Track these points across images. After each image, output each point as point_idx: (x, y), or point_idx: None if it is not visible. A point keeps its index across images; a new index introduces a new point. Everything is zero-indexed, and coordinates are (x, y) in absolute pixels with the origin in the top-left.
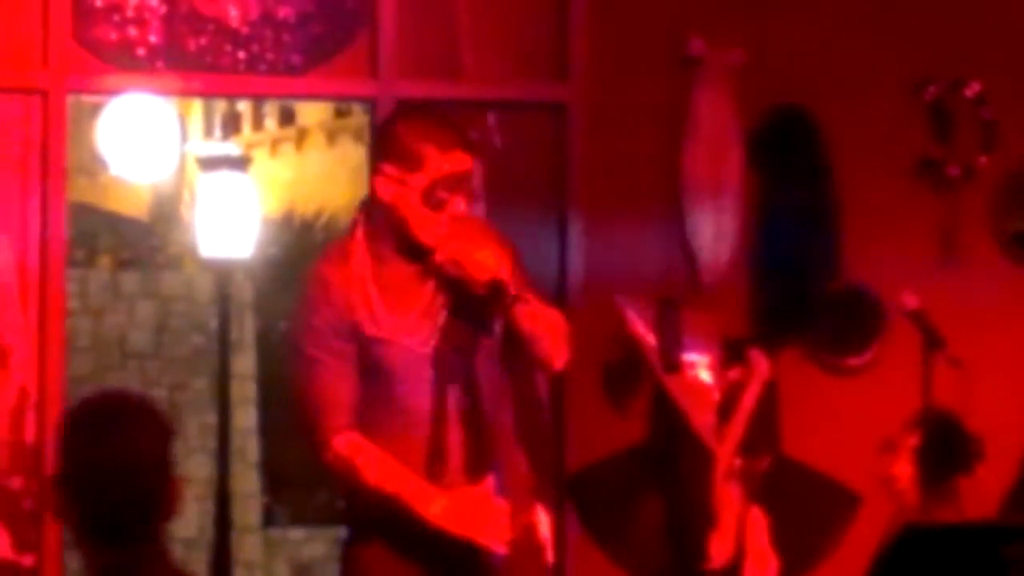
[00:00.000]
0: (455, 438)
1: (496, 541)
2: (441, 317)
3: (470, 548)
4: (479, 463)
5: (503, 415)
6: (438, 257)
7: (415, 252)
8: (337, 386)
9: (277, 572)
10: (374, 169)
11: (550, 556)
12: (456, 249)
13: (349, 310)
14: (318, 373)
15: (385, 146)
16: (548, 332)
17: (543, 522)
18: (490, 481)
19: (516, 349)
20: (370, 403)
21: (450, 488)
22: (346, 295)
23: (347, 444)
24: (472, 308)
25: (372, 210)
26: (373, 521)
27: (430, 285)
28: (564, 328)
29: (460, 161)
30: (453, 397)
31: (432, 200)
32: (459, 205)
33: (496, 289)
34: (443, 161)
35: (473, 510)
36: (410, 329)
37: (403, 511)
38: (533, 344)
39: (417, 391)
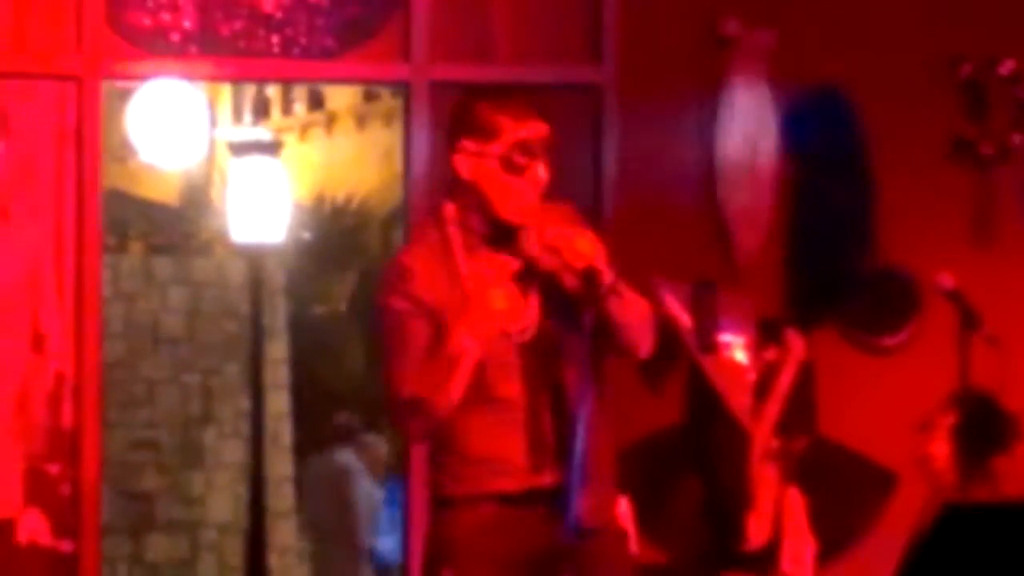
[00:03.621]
0: (547, 426)
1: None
2: (530, 306)
3: (557, 543)
4: (569, 451)
5: (587, 406)
6: (532, 243)
7: (503, 235)
8: (414, 357)
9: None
10: (452, 148)
11: (633, 545)
12: (553, 236)
13: (429, 299)
14: (396, 355)
15: (462, 124)
16: (637, 321)
17: (625, 512)
18: None
19: (603, 339)
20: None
21: (547, 473)
22: (427, 284)
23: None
24: (563, 297)
25: (457, 195)
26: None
27: (520, 273)
28: (651, 317)
29: (535, 128)
30: (542, 386)
31: (511, 166)
32: (539, 171)
33: (591, 277)
34: (518, 128)
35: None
36: (496, 316)
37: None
38: (621, 333)
39: (507, 379)
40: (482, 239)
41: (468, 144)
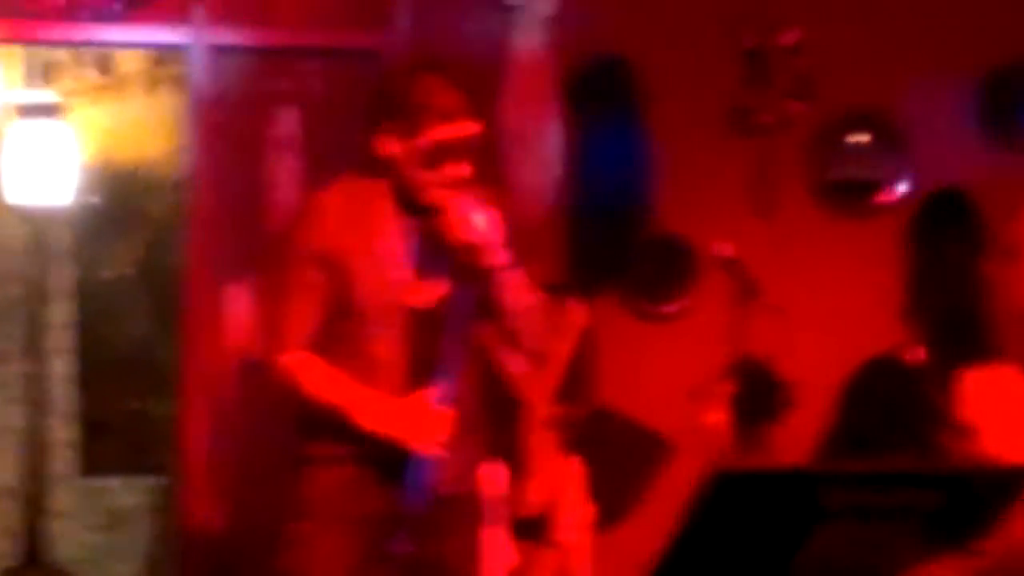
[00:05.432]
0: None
1: (428, 444)
2: (429, 273)
3: (402, 508)
4: None
5: (465, 380)
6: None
7: (413, 208)
8: (299, 313)
9: (93, 521)
10: (375, 125)
11: (505, 506)
12: (450, 206)
13: (335, 242)
14: (284, 296)
15: (388, 104)
16: (527, 312)
17: (500, 475)
18: (433, 390)
19: (496, 323)
20: (338, 342)
21: None
22: (336, 226)
23: (293, 360)
24: (461, 270)
25: (373, 167)
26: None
27: (424, 239)
28: (543, 314)
29: (463, 128)
30: (417, 351)
31: (432, 164)
32: (462, 169)
33: (471, 253)
34: (446, 129)
35: (410, 415)
36: (395, 278)
37: (342, 421)
38: (507, 319)
39: (386, 339)
40: (392, 200)
41: (390, 128)
